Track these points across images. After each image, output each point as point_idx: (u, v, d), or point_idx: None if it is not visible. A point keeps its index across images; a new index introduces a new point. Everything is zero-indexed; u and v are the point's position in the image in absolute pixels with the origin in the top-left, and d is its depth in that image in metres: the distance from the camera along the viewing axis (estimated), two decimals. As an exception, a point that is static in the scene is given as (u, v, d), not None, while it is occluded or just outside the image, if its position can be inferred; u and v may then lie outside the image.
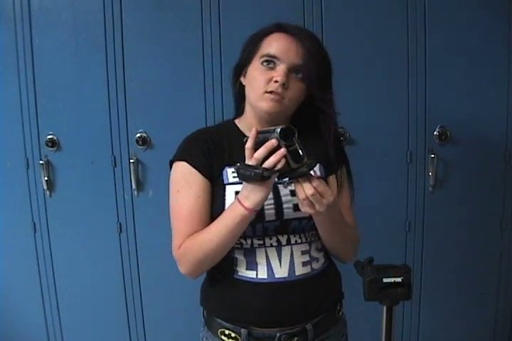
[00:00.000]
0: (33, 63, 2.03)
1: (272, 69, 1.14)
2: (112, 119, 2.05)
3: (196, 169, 1.17)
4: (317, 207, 1.03)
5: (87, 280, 2.16)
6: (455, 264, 2.12)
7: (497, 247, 2.11)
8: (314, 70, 1.14)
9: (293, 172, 1.01)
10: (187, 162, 1.18)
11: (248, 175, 1.00)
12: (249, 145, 1.01)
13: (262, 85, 1.14)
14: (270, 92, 1.13)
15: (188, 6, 1.97)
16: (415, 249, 2.10)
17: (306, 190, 1.02)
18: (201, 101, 2.01)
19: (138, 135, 2.05)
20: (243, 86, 1.22)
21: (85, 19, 2.00)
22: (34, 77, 2.04)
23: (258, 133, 1.02)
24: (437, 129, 2.02)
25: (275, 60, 1.14)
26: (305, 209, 1.05)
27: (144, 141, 2.05)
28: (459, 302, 2.16)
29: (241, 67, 1.22)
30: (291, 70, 1.14)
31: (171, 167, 1.24)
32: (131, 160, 2.05)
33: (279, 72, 1.13)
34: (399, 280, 1.12)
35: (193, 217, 1.16)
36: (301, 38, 1.15)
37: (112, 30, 1.98)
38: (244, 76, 1.21)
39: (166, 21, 1.99)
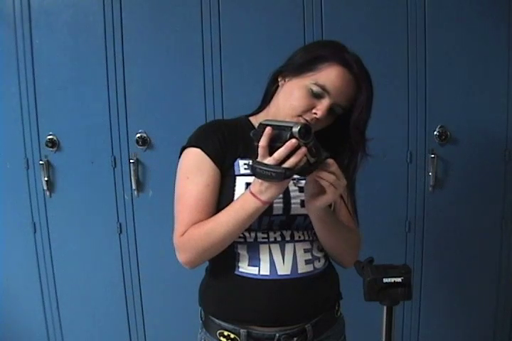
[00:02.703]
0: (33, 63, 2.03)
1: (317, 97, 1.14)
2: (111, 119, 2.05)
3: (210, 157, 1.17)
4: (340, 190, 1.06)
5: (87, 280, 2.16)
6: (455, 264, 2.12)
7: (497, 247, 2.11)
8: (365, 119, 1.17)
9: (311, 167, 1.02)
10: (201, 149, 1.17)
11: (268, 175, 0.99)
12: (264, 143, 1.00)
13: (300, 109, 1.14)
14: (304, 119, 1.14)
15: (188, 6, 1.97)
16: (415, 249, 2.10)
17: (327, 178, 1.03)
18: (201, 101, 2.01)
19: (138, 135, 2.05)
20: (277, 86, 1.22)
21: (85, 19, 2.00)
22: (34, 77, 2.04)
23: (273, 131, 1.01)
24: (437, 129, 2.02)
25: (325, 93, 1.14)
26: (330, 197, 1.06)
27: (144, 141, 2.05)
28: (459, 303, 2.16)
29: (286, 72, 1.20)
30: (332, 106, 1.15)
31: (180, 154, 1.22)
32: (131, 161, 2.05)
33: (323, 106, 1.13)
34: (399, 280, 1.12)
35: (199, 206, 1.15)
36: (361, 82, 1.15)
37: (112, 31, 1.98)
38: (285, 80, 1.20)
39: (166, 21, 1.99)
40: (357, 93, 1.16)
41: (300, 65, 1.17)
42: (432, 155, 2.01)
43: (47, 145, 2.07)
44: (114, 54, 2.00)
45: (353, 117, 1.16)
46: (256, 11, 1.97)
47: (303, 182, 1.16)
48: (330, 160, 1.04)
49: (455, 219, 2.09)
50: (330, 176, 1.03)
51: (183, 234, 1.16)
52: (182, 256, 1.18)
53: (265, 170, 0.99)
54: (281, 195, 1.15)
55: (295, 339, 1.20)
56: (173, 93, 2.03)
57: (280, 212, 1.16)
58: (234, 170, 1.18)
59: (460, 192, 2.07)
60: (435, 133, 2.02)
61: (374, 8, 1.96)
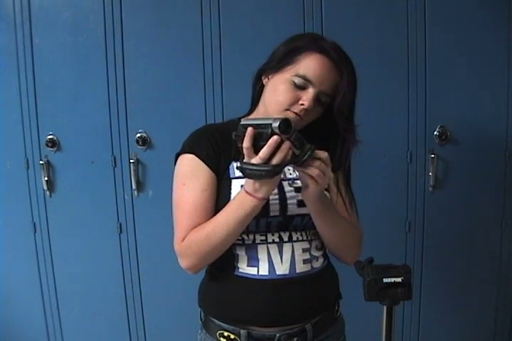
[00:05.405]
0: (33, 63, 2.03)
1: (301, 89, 1.14)
2: (112, 119, 2.05)
3: (204, 162, 1.17)
4: (327, 177, 1.05)
5: (87, 281, 2.16)
6: (455, 264, 2.12)
7: (497, 247, 2.11)
8: (347, 103, 1.15)
9: (298, 158, 1.02)
10: (195, 155, 1.18)
11: (259, 174, 1.00)
12: (247, 144, 1.00)
13: (286, 103, 1.14)
14: (292, 112, 1.14)
15: (188, 6, 1.97)
16: (415, 249, 2.10)
17: (317, 166, 1.03)
18: (201, 101, 2.01)
19: (138, 135, 2.05)
20: (263, 85, 1.22)
21: (85, 19, 2.00)
22: (34, 77, 2.04)
23: (255, 131, 1.00)
24: (437, 129, 2.02)
25: (308, 83, 1.14)
26: (321, 184, 1.05)
27: (144, 141, 2.05)
28: (459, 302, 2.16)
29: (268, 69, 1.20)
30: (318, 95, 1.15)
31: (175, 160, 1.23)
32: (131, 160, 2.05)
33: (308, 96, 1.13)
34: (399, 280, 1.12)
35: (197, 211, 1.16)
36: (341, 68, 1.14)
37: (112, 31, 1.98)
38: (269, 78, 1.20)
39: (166, 21, 1.99)
40: (341, 80, 1.15)
41: (279, 60, 1.18)
42: (432, 155, 2.01)
43: (47, 145, 2.07)
44: (114, 54, 2.00)
45: (335, 102, 1.15)
46: (256, 10, 1.97)
47: (299, 182, 1.16)
48: (320, 152, 1.04)
49: (455, 219, 2.09)
50: (320, 165, 1.03)
51: (183, 240, 1.16)
52: (184, 262, 1.18)
53: (254, 169, 1.00)
54: (277, 196, 1.16)
55: (295, 339, 1.20)
56: (173, 93, 2.03)
57: (277, 213, 1.16)
58: (229, 174, 1.18)
59: (460, 192, 2.07)
60: (435, 133, 2.02)
61: (374, 7, 1.96)
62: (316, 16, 1.94)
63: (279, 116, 1.02)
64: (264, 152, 0.99)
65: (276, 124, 0.97)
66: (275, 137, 0.98)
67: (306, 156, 1.01)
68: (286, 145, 0.99)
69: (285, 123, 0.98)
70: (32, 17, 2.00)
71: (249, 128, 1.00)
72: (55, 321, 2.23)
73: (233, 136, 1.03)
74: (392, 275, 1.12)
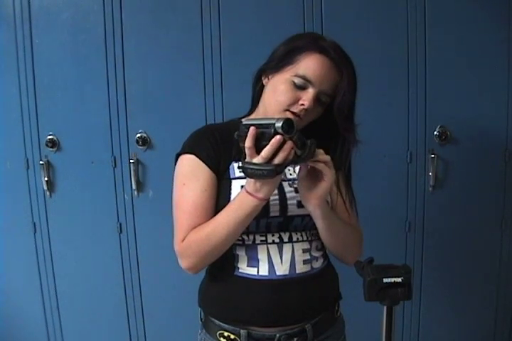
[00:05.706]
0: (33, 63, 2.03)
1: (301, 89, 1.14)
2: (112, 119, 2.05)
3: (204, 163, 1.17)
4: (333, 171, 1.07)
5: (87, 281, 2.16)
6: (455, 264, 2.12)
7: (497, 247, 2.11)
8: (347, 103, 1.15)
9: (300, 158, 1.02)
10: (195, 155, 1.18)
11: (260, 174, 1.00)
12: (249, 143, 1.00)
13: (286, 103, 1.14)
14: (292, 112, 1.14)
15: (188, 6, 1.97)
16: (415, 249, 2.10)
17: (323, 158, 1.05)
18: (201, 101, 2.01)
19: (138, 135, 2.05)
20: (263, 85, 1.22)
21: (85, 19, 2.00)
22: (34, 77, 2.04)
23: (257, 131, 1.01)
24: (437, 129, 2.02)
25: (307, 83, 1.14)
26: (328, 180, 1.07)
27: (144, 141, 2.05)
28: (459, 302, 2.16)
29: (268, 69, 1.20)
30: (318, 95, 1.15)
31: (176, 160, 1.23)
32: (131, 161, 2.05)
33: (308, 96, 1.13)
34: (399, 280, 1.12)
35: (197, 211, 1.16)
36: (341, 67, 1.14)
37: (112, 31, 1.98)
38: (269, 78, 1.20)
39: (166, 21, 1.99)
40: (340, 78, 1.15)
41: (279, 60, 1.18)
42: (432, 155, 2.01)
43: (47, 145, 2.07)
44: (114, 54, 2.00)
45: (336, 102, 1.15)
46: (256, 11, 1.98)
47: None
48: (319, 151, 1.05)
49: (455, 219, 2.09)
50: (326, 157, 1.05)
51: (183, 240, 1.16)
52: (184, 262, 1.18)
53: (256, 169, 1.00)
54: (277, 197, 1.16)
55: (295, 339, 1.20)
56: (173, 93, 2.03)
57: (277, 213, 1.16)
58: (229, 174, 1.18)
59: (460, 192, 2.07)
60: (435, 133, 2.02)
61: (374, 8, 1.96)
62: (316, 17, 1.94)
63: (282, 116, 1.02)
64: (266, 151, 0.99)
65: (279, 124, 0.98)
66: (278, 137, 0.98)
67: (309, 155, 1.02)
68: (289, 145, 0.99)
69: (288, 123, 0.98)
70: (32, 17, 2.00)
71: (252, 128, 1.00)
72: (55, 321, 2.23)
73: (235, 136, 1.03)
74: (392, 275, 1.12)
